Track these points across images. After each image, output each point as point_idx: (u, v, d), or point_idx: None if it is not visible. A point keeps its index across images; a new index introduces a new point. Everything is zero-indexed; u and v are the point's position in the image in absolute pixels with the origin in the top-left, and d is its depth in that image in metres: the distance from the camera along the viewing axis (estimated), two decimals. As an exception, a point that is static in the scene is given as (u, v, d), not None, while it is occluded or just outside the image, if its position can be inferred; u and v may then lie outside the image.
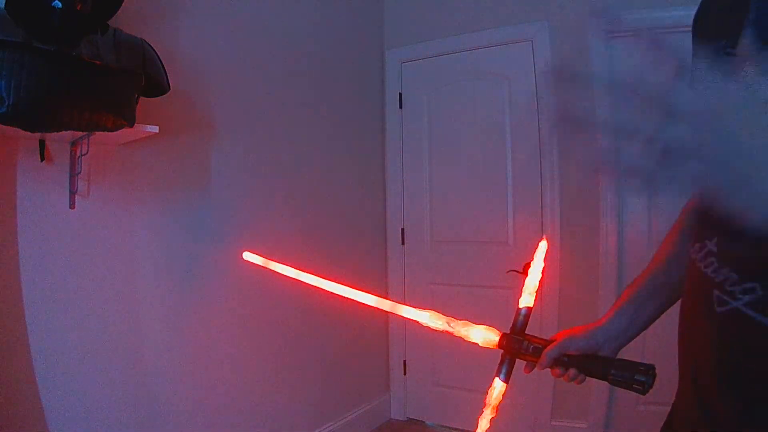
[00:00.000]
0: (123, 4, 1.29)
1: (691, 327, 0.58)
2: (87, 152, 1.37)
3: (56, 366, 1.40)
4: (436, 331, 0.77)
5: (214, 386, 1.85)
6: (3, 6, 1.08)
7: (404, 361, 2.82)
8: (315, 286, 0.93)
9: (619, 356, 0.75)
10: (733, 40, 0.52)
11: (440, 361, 2.68)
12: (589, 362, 0.72)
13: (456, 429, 2.62)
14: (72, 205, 1.43)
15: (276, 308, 2.08)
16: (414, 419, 2.81)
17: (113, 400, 1.54)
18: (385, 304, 0.82)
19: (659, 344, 1.87)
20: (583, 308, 2.33)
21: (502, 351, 0.74)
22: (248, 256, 1.13)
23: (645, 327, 0.77)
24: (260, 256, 1.08)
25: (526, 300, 0.77)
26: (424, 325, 0.78)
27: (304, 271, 0.91)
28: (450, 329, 0.75)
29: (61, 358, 1.41)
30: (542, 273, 0.80)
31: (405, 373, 2.83)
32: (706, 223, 0.55)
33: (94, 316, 1.50)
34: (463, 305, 2.61)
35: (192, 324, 1.78)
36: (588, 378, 0.73)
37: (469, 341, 0.75)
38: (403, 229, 2.84)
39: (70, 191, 1.43)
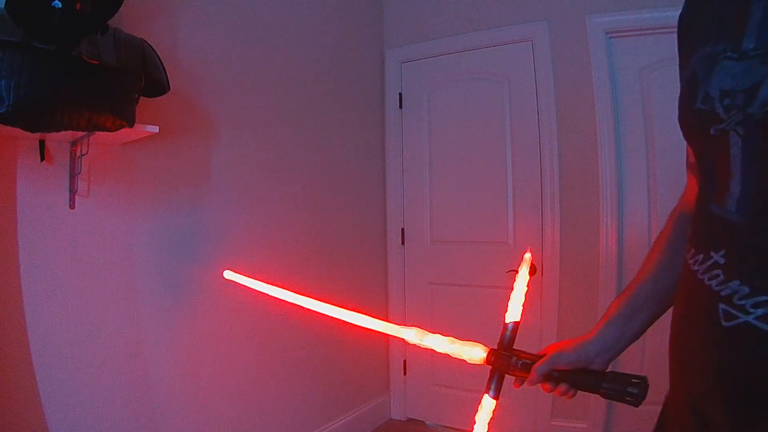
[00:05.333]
0: (123, 4, 1.29)
1: (687, 340, 0.56)
2: (87, 152, 1.37)
3: (56, 366, 1.40)
4: (430, 352, 0.76)
5: (213, 385, 1.85)
6: (3, 6, 1.08)
7: (404, 361, 2.82)
8: (300, 301, 0.91)
9: (615, 362, 0.74)
10: (734, 44, 0.49)
11: (440, 361, 2.66)
12: (581, 376, 0.71)
13: (456, 429, 2.62)
14: (72, 205, 1.43)
15: (276, 308, 2.07)
16: (414, 419, 2.80)
17: (113, 400, 1.54)
18: (369, 323, 0.80)
19: (658, 347, 1.87)
20: (583, 309, 2.33)
21: (490, 367, 0.73)
22: (229, 275, 1.11)
23: (636, 337, 0.75)
24: (241, 275, 1.06)
25: (513, 314, 0.76)
26: (410, 342, 0.76)
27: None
28: (435, 346, 0.74)
29: (61, 357, 1.41)
30: (527, 285, 0.78)
31: (405, 373, 2.83)
32: (712, 234, 0.53)
33: (94, 315, 1.50)
34: (463, 305, 2.62)
35: (192, 323, 1.78)
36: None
37: (457, 358, 0.73)
38: (403, 229, 2.84)
39: (70, 191, 1.43)
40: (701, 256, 0.53)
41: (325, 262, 2.36)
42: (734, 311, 0.48)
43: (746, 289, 0.47)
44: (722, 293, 0.49)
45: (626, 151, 2.33)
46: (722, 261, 0.50)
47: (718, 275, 0.50)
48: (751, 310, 0.46)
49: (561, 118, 2.42)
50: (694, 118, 0.55)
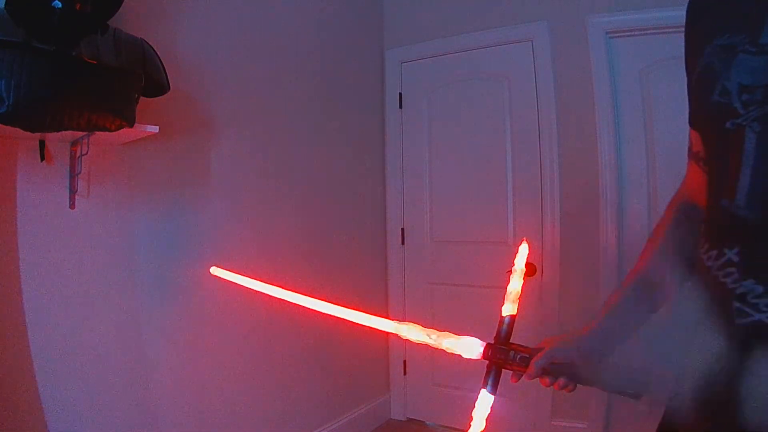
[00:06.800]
0: (123, 4, 1.29)
1: (701, 335, 0.56)
2: (87, 152, 1.37)
3: (56, 366, 1.40)
4: (419, 344, 0.74)
5: (213, 385, 1.85)
6: (3, 6, 1.08)
7: (404, 361, 2.82)
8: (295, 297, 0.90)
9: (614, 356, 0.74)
10: (752, 37, 0.49)
11: (440, 361, 2.68)
12: (580, 370, 0.70)
13: (456, 429, 2.62)
14: (72, 205, 1.43)
15: (275, 308, 2.07)
16: (414, 419, 2.80)
17: (113, 400, 1.54)
18: (360, 318, 0.80)
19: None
20: (584, 308, 2.33)
21: (487, 362, 0.72)
22: (216, 271, 1.09)
23: (636, 329, 0.75)
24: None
25: (509, 308, 0.75)
26: (404, 338, 0.75)
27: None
28: (430, 342, 0.73)
29: (61, 358, 1.41)
30: (524, 278, 0.77)
31: (405, 373, 2.83)
32: (724, 229, 0.52)
33: (94, 315, 1.50)
34: (463, 305, 2.61)
35: (191, 322, 1.78)
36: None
37: (453, 353, 0.72)
38: (403, 229, 2.84)
39: (70, 191, 1.43)
40: (715, 252, 0.53)
41: (325, 261, 2.36)
42: (748, 309, 0.48)
43: (760, 289, 0.47)
44: (737, 291, 0.49)
45: (626, 150, 2.33)
46: (737, 259, 0.50)
47: (732, 273, 0.50)
48: (764, 309, 0.46)
49: (561, 118, 2.41)
50: (711, 110, 0.54)
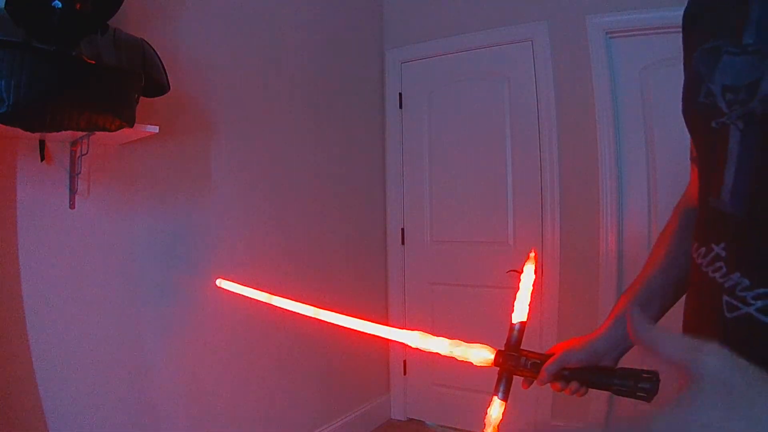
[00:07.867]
0: (123, 4, 1.29)
1: (696, 331, 0.57)
2: (87, 152, 1.37)
3: (56, 366, 1.40)
4: (431, 353, 0.75)
5: (213, 386, 1.85)
6: (3, 6, 1.08)
7: (404, 361, 2.82)
8: (298, 306, 0.91)
9: (620, 363, 0.74)
10: (734, 39, 0.50)
11: (440, 361, 2.66)
12: (591, 374, 0.70)
13: (456, 429, 2.62)
14: (72, 205, 1.43)
15: (274, 307, 2.07)
16: (414, 419, 2.80)
17: (113, 400, 1.54)
18: (370, 328, 0.80)
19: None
20: (584, 309, 2.33)
21: (498, 369, 0.73)
22: (222, 283, 1.10)
23: None
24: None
25: (519, 314, 0.75)
26: (414, 347, 0.76)
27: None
28: (441, 350, 0.73)
29: (61, 358, 1.41)
30: (533, 285, 0.78)
31: (405, 373, 2.83)
32: (712, 226, 0.54)
33: (93, 315, 1.50)
34: (463, 305, 2.62)
35: (191, 321, 1.78)
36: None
37: (464, 361, 0.73)
38: (403, 229, 2.84)
39: (70, 191, 1.43)
40: (704, 249, 0.54)
41: (325, 261, 2.36)
42: (736, 302, 0.48)
43: (747, 282, 0.48)
44: (725, 285, 0.50)
45: (626, 151, 2.33)
46: (723, 254, 0.51)
47: (720, 267, 0.51)
48: (752, 302, 0.47)
49: (561, 118, 2.41)
50: (697, 112, 0.55)
